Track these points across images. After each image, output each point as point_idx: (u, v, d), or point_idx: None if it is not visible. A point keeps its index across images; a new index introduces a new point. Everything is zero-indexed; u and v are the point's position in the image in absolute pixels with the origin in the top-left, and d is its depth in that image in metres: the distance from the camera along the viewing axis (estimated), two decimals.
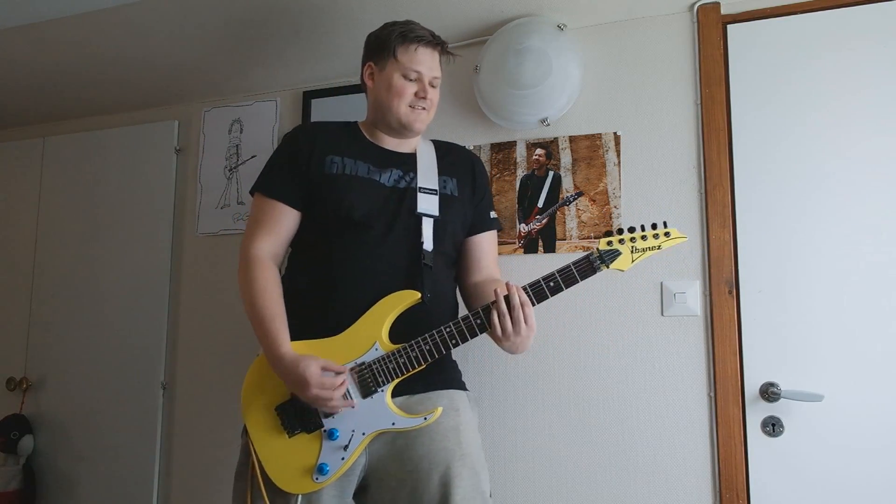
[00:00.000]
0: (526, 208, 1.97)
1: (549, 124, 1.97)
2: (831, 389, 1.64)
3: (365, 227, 1.51)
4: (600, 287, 1.87)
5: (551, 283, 1.40)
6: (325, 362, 1.40)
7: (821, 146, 1.75)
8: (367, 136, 1.66)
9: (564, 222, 1.93)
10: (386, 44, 1.58)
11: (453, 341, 1.42)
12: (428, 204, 1.57)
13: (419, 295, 1.45)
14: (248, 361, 2.27)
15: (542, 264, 1.90)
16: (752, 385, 1.72)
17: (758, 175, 1.79)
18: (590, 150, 1.94)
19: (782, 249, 1.74)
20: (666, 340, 1.80)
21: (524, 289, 1.40)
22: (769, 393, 1.69)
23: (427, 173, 1.61)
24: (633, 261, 1.39)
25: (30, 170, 2.71)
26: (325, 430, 1.42)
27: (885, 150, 1.70)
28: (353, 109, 2.22)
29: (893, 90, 1.71)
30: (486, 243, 1.69)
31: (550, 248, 1.93)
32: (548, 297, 1.42)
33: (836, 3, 1.77)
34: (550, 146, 1.98)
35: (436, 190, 1.59)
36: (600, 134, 1.94)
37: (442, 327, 1.42)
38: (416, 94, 1.58)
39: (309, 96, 2.33)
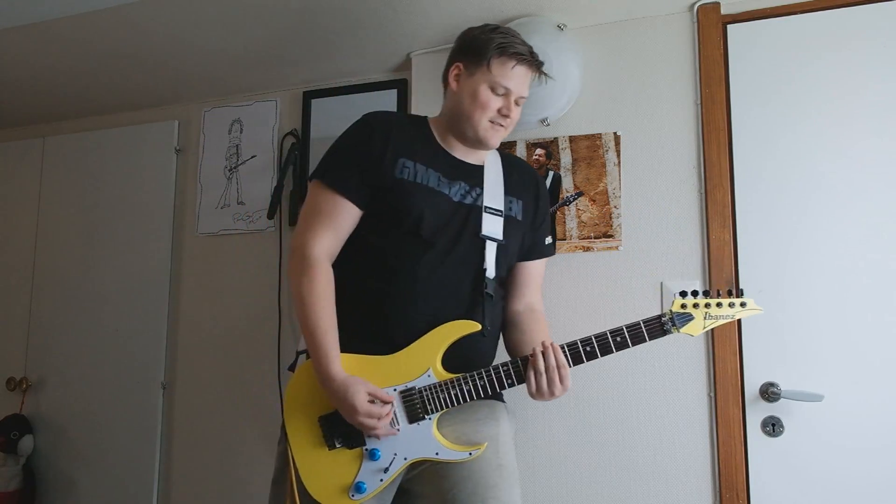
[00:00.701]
0: None
1: (549, 124, 1.97)
2: (831, 389, 1.64)
3: (428, 243, 1.45)
4: (600, 287, 1.87)
5: (618, 339, 1.36)
6: (373, 389, 1.36)
7: (821, 146, 1.75)
8: (439, 141, 1.56)
9: (564, 222, 1.93)
10: (483, 50, 1.49)
11: (509, 381, 1.39)
12: (493, 226, 1.50)
13: (480, 327, 1.41)
14: (248, 361, 2.29)
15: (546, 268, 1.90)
16: (752, 385, 1.72)
17: (758, 175, 1.79)
18: (590, 150, 1.94)
19: (782, 249, 1.74)
20: (666, 340, 1.79)
21: (586, 341, 1.37)
22: (769, 393, 1.69)
23: (494, 191, 1.54)
24: (704, 327, 1.34)
25: (30, 170, 2.71)
26: (366, 450, 1.39)
27: (885, 150, 1.70)
28: (353, 109, 2.22)
29: (893, 90, 1.71)
30: (535, 270, 1.64)
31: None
32: (612, 353, 1.38)
33: (836, 3, 1.77)
34: (550, 146, 1.98)
35: (501, 211, 1.52)
36: (600, 134, 1.94)
37: (499, 365, 1.38)
38: (499, 111, 1.49)
39: (309, 96, 2.34)
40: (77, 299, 2.54)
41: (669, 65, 1.90)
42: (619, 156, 1.91)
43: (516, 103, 1.52)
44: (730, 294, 1.35)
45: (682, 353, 1.78)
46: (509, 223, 1.53)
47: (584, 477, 1.82)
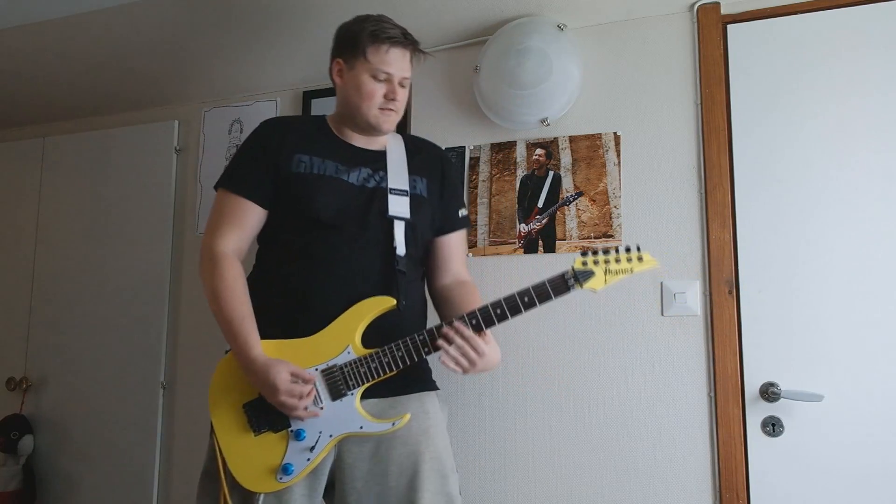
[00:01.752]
0: (526, 208, 1.97)
1: (549, 124, 1.97)
2: (831, 389, 1.64)
3: (334, 228, 1.50)
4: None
5: (525, 299, 1.39)
6: (295, 369, 1.39)
7: (821, 146, 1.75)
8: (336, 133, 1.62)
9: (564, 222, 1.93)
10: (356, 42, 1.54)
11: (426, 349, 1.42)
12: (399, 206, 1.54)
13: (395, 302, 1.45)
14: None
15: (542, 264, 1.91)
16: (752, 385, 1.72)
17: (758, 175, 1.79)
18: (590, 150, 1.94)
19: (782, 249, 1.74)
20: (666, 340, 1.80)
21: (496, 304, 1.40)
22: (769, 393, 1.69)
23: (397, 172, 1.59)
24: (605, 282, 1.40)
25: (30, 170, 2.71)
26: (291, 431, 1.42)
27: (886, 150, 1.70)
28: None
29: (894, 90, 1.71)
30: (453, 243, 1.67)
31: (550, 249, 1.93)
32: (521, 312, 1.41)
33: (836, 3, 1.77)
34: (550, 146, 1.98)
35: (406, 191, 1.57)
36: (600, 134, 1.94)
37: (416, 334, 1.42)
38: (385, 96, 1.54)
39: (309, 96, 2.33)
40: (77, 299, 2.54)
41: (669, 65, 1.90)
42: (619, 156, 1.91)
43: (401, 85, 1.56)
44: (627, 250, 1.40)
45: (682, 353, 1.78)
46: (415, 201, 1.57)
47: (583, 477, 1.82)
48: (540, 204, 1.96)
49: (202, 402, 2.34)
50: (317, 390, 1.42)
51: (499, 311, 1.40)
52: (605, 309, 1.86)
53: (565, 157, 1.96)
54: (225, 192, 1.56)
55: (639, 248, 1.41)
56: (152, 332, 2.42)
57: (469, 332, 1.39)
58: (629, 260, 1.40)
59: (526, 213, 1.97)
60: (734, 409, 1.72)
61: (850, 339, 1.67)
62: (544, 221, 1.95)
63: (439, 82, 2.11)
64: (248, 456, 1.43)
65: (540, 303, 1.40)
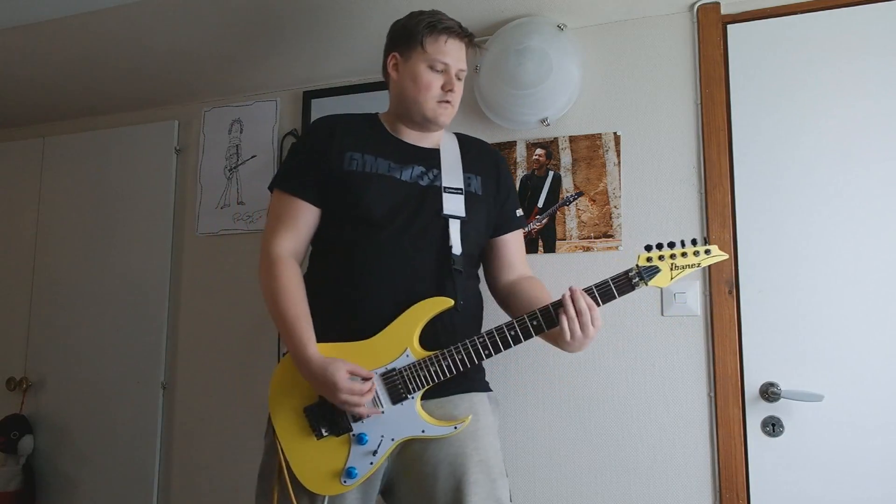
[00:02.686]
0: (526, 208, 1.97)
1: (549, 124, 1.97)
2: (831, 389, 1.65)
3: (387, 227, 1.47)
4: None
5: (592, 295, 1.37)
6: (352, 367, 1.37)
7: (821, 146, 1.75)
8: (389, 130, 1.60)
9: (564, 222, 1.93)
10: (413, 34, 1.53)
11: (486, 351, 1.39)
12: (454, 205, 1.52)
13: (453, 303, 1.42)
14: (248, 361, 2.28)
15: (543, 264, 1.91)
16: (752, 385, 1.72)
17: (758, 175, 1.79)
18: (590, 150, 1.94)
19: (782, 249, 1.74)
20: (666, 340, 1.80)
21: (589, 291, 1.38)
22: (769, 393, 1.69)
23: (452, 171, 1.56)
24: (672, 278, 1.36)
25: (30, 170, 2.71)
26: (353, 435, 1.40)
27: (886, 150, 1.70)
28: (353, 109, 2.22)
29: (893, 90, 1.71)
30: (514, 242, 1.66)
31: (550, 249, 1.93)
32: (599, 305, 1.39)
33: (836, 3, 1.77)
34: (550, 146, 1.98)
35: (461, 189, 1.54)
36: (600, 134, 1.94)
37: (476, 337, 1.40)
38: (442, 87, 1.52)
39: (309, 96, 2.33)
40: (77, 299, 2.54)
41: (669, 65, 1.90)
42: (619, 156, 1.91)
43: (457, 77, 1.55)
44: (693, 243, 1.36)
45: (682, 353, 1.78)
46: (470, 199, 1.55)
47: (584, 477, 1.82)
48: (540, 204, 1.96)
49: (202, 402, 2.36)
50: (377, 394, 1.40)
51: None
52: (606, 309, 1.83)
53: (565, 157, 1.96)
54: (279, 193, 1.56)
55: (706, 241, 1.38)
56: (152, 332, 2.42)
57: (591, 300, 1.36)
58: (696, 253, 1.36)
59: (526, 213, 1.96)
60: (734, 409, 1.72)
61: (850, 339, 1.67)
62: (544, 221, 1.95)
63: None
64: (309, 458, 1.42)
65: (603, 302, 1.37)
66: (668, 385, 1.78)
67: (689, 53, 1.88)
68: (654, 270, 1.36)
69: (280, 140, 2.36)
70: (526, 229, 1.93)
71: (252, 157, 2.39)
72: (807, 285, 1.71)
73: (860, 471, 1.62)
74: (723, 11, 1.86)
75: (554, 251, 1.92)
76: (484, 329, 1.44)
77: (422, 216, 1.49)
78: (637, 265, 1.37)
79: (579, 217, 1.92)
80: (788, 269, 1.73)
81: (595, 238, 1.89)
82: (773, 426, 1.69)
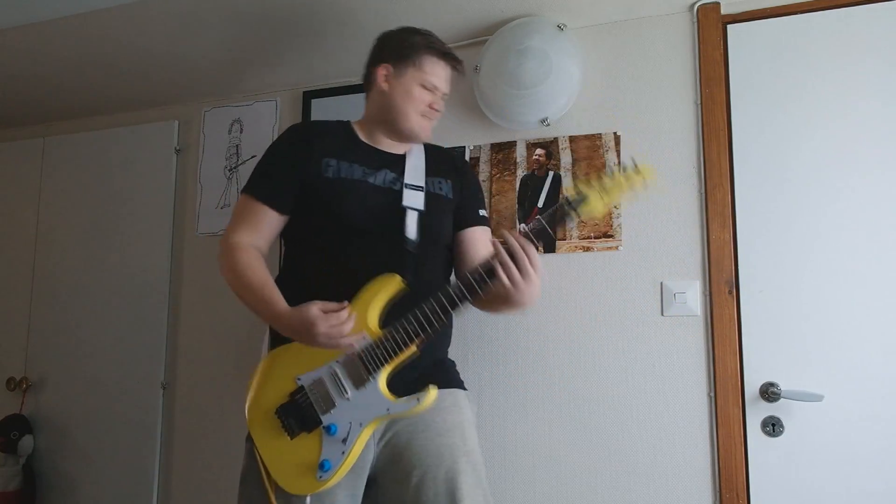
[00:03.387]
0: (526, 208, 1.97)
1: (549, 124, 1.97)
2: (831, 389, 1.65)
3: (360, 232, 1.52)
4: (600, 287, 1.87)
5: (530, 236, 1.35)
6: (322, 304, 1.38)
7: (821, 146, 1.75)
8: (363, 138, 1.66)
9: (565, 222, 1.93)
10: (410, 51, 1.60)
11: (435, 316, 1.37)
12: (413, 199, 1.57)
13: (399, 278, 1.42)
14: (248, 362, 2.27)
15: (542, 264, 1.90)
16: (752, 385, 1.72)
17: (758, 175, 1.79)
18: (590, 150, 1.94)
19: (782, 249, 1.74)
20: (666, 340, 1.80)
21: (522, 233, 1.35)
22: (769, 393, 1.69)
23: (415, 171, 1.63)
24: (604, 204, 1.33)
25: (30, 170, 2.71)
26: (323, 427, 1.42)
27: (885, 150, 1.70)
28: (353, 109, 2.22)
29: (893, 90, 1.71)
30: (476, 237, 1.67)
31: (550, 249, 1.93)
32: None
33: (836, 3, 1.77)
34: (550, 146, 1.98)
35: (422, 186, 1.60)
36: (600, 134, 1.94)
37: (423, 304, 1.38)
38: (430, 105, 1.61)
39: (309, 96, 2.33)
40: (77, 299, 2.54)
41: (669, 65, 1.90)
42: (619, 156, 1.91)
43: (442, 98, 1.65)
44: (619, 165, 1.34)
45: (682, 353, 1.78)
46: (432, 198, 1.60)
47: (583, 477, 1.82)
48: (540, 204, 1.96)
49: (202, 402, 2.36)
50: (340, 382, 1.42)
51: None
52: (605, 309, 1.86)
53: (565, 157, 1.96)
54: (245, 197, 1.60)
55: (633, 161, 1.34)
56: (152, 332, 2.42)
57: (525, 241, 1.33)
58: (624, 170, 1.33)
59: (526, 213, 1.97)
60: (734, 409, 1.72)
61: (850, 339, 1.67)
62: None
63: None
64: (286, 459, 1.43)
65: (538, 239, 1.35)
66: (668, 385, 1.78)
67: (689, 53, 1.88)
68: (582, 199, 1.33)
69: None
70: (526, 228, 1.91)
71: (252, 157, 2.39)
72: (807, 285, 1.71)
73: (860, 470, 1.62)
74: (723, 11, 1.86)
75: (554, 251, 1.92)
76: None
77: (391, 216, 1.54)
78: (565, 196, 1.36)
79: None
80: (788, 269, 1.73)
81: (595, 238, 1.89)
82: (773, 426, 1.69)
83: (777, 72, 1.80)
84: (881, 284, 1.66)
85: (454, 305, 1.38)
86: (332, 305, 1.39)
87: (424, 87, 1.60)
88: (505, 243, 1.33)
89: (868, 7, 1.74)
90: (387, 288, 1.43)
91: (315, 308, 1.37)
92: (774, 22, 1.82)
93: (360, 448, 1.41)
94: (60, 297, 2.57)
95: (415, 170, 1.63)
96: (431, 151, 1.71)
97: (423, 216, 1.57)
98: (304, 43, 2.16)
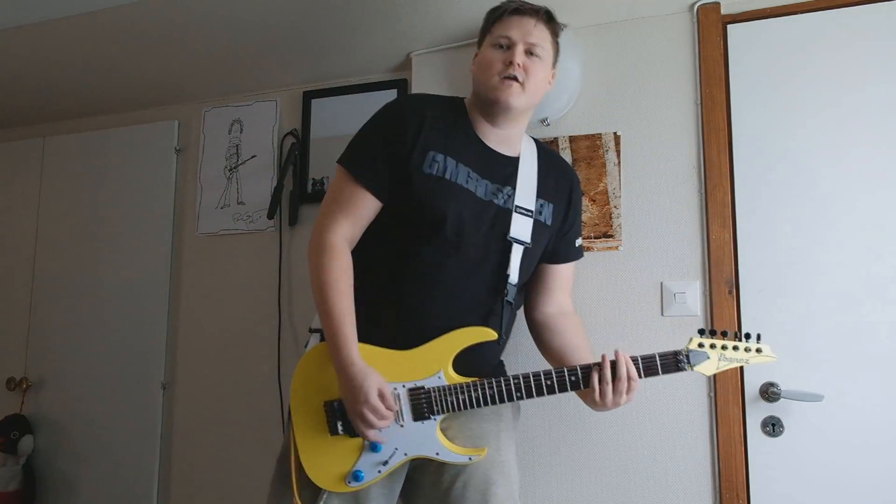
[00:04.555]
0: None
1: (549, 124, 1.97)
2: (831, 389, 1.65)
3: (451, 244, 1.41)
4: (600, 287, 1.87)
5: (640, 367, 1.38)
6: (386, 390, 1.34)
7: (821, 146, 1.75)
8: (474, 127, 1.50)
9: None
10: (485, 23, 1.50)
11: (518, 394, 1.39)
12: (522, 228, 1.46)
13: (496, 336, 1.40)
14: (248, 361, 2.29)
15: None
16: (752, 385, 1.72)
17: (758, 175, 1.79)
18: (590, 150, 1.94)
19: (782, 249, 1.74)
20: (666, 340, 1.80)
21: (634, 360, 1.37)
22: (769, 393, 1.69)
23: (526, 191, 1.49)
24: (717, 368, 1.36)
25: (30, 170, 2.71)
26: (368, 442, 1.39)
27: (885, 150, 1.70)
28: (353, 109, 2.23)
29: (893, 90, 1.71)
30: (564, 273, 1.61)
31: None
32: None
33: (836, 3, 1.77)
34: (550, 146, 1.98)
35: (532, 212, 1.48)
36: (600, 134, 1.94)
37: (511, 377, 1.38)
38: (503, 61, 1.42)
39: (309, 96, 2.34)
40: (77, 299, 2.54)
41: (669, 65, 1.90)
42: (619, 156, 1.91)
43: (529, 52, 1.43)
44: (747, 338, 1.36)
45: None
46: (538, 227, 1.49)
47: (584, 477, 1.82)
48: None
49: (202, 402, 2.36)
50: (400, 406, 1.38)
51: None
52: (605, 309, 1.86)
53: (565, 157, 1.96)
54: (345, 174, 1.45)
55: (759, 338, 1.37)
56: (152, 332, 2.42)
57: (633, 371, 1.36)
58: (747, 350, 1.36)
59: None
60: (734, 409, 1.72)
61: (850, 339, 1.67)
62: None
63: (439, 82, 2.11)
64: (320, 453, 1.40)
65: (645, 376, 1.37)
66: (669, 385, 1.78)
67: (689, 53, 1.88)
68: (702, 357, 1.36)
69: (280, 140, 2.36)
70: (582, 256, 1.88)
71: (252, 157, 2.39)
72: (807, 285, 1.71)
73: (860, 470, 1.62)
74: (723, 11, 1.86)
75: (583, 254, 1.91)
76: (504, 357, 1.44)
77: (490, 240, 1.45)
78: (688, 347, 1.37)
79: None
80: (788, 269, 1.73)
81: (595, 238, 1.89)
82: (773, 426, 1.69)
83: (777, 72, 1.80)
84: (881, 284, 1.66)
85: (540, 394, 1.40)
86: (389, 400, 1.34)
87: (497, 45, 1.44)
88: (616, 362, 1.36)
89: (868, 7, 1.74)
90: (479, 339, 1.41)
91: (375, 389, 1.32)
92: (774, 22, 1.82)
93: (396, 468, 1.40)
94: (60, 297, 2.57)
95: (526, 187, 1.49)
96: (545, 163, 1.56)
97: (526, 253, 1.47)
98: (304, 43, 2.16)
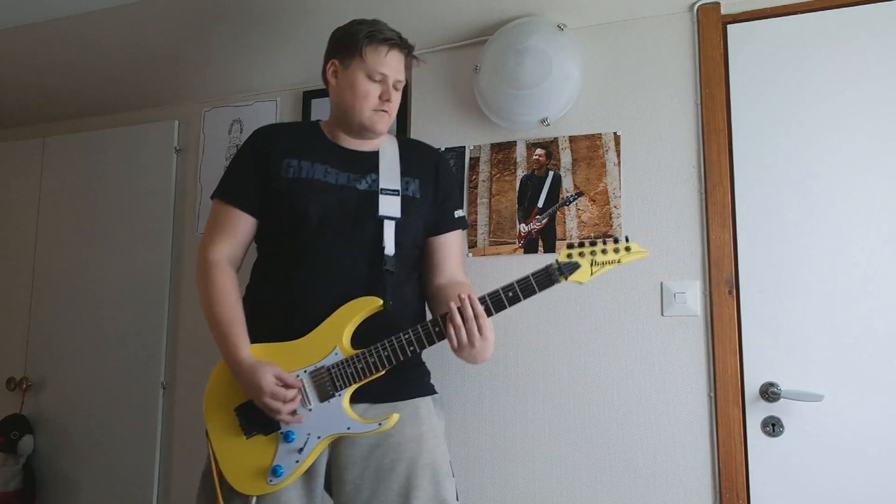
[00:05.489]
0: (526, 208, 1.97)
1: (549, 124, 1.97)
2: (831, 389, 1.65)
3: (324, 232, 1.50)
4: (600, 287, 1.87)
5: (510, 294, 1.39)
6: (280, 373, 1.40)
7: (821, 146, 1.75)
8: (329, 136, 1.63)
9: (564, 222, 1.93)
10: (353, 43, 1.55)
11: (411, 347, 1.41)
12: (390, 206, 1.54)
13: (381, 302, 1.45)
14: None
15: (542, 264, 1.90)
16: (752, 385, 1.72)
17: (758, 175, 1.79)
18: (590, 150, 1.94)
19: (782, 249, 1.74)
20: (666, 340, 1.80)
21: (481, 299, 1.39)
22: (769, 393, 1.69)
23: (389, 174, 1.59)
24: (591, 273, 1.38)
25: (30, 170, 2.71)
26: (281, 433, 1.43)
27: (885, 150, 1.70)
28: None
29: (893, 90, 1.71)
30: (449, 243, 1.66)
31: (550, 249, 1.93)
32: (506, 307, 1.40)
33: (836, 3, 1.77)
34: (550, 146, 1.98)
35: (397, 191, 1.57)
36: (600, 134, 1.94)
37: (401, 333, 1.41)
38: (380, 97, 1.55)
39: (309, 96, 2.33)
40: (77, 299, 2.54)
41: (669, 65, 1.90)
42: (619, 156, 1.91)
43: (395, 87, 1.57)
44: (616, 241, 1.38)
45: (682, 353, 1.78)
46: (406, 202, 1.57)
47: (584, 477, 1.82)
48: (540, 204, 1.96)
49: (202, 402, 2.35)
50: (305, 392, 1.43)
51: (484, 306, 1.39)
52: (605, 309, 1.86)
53: (565, 157, 1.96)
54: (217, 202, 1.60)
55: (627, 239, 1.40)
56: (152, 332, 2.42)
57: (480, 309, 1.38)
58: (616, 251, 1.38)
59: (526, 213, 1.97)
60: (734, 409, 1.72)
61: (850, 339, 1.67)
62: (544, 221, 1.95)
63: (439, 82, 2.11)
64: (239, 458, 1.45)
65: (524, 297, 1.39)
66: (668, 385, 1.78)
67: (689, 53, 1.88)
68: (573, 266, 1.38)
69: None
70: (526, 228, 1.93)
71: None
72: (807, 285, 1.71)
73: (860, 470, 1.62)
74: (723, 11, 1.86)
75: (554, 251, 1.92)
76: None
77: (358, 220, 1.52)
78: (557, 261, 1.39)
79: (579, 217, 1.92)
80: (788, 269, 1.73)
81: (595, 238, 1.89)
82: (773, 426, 1.69)
83: (777, 72, 1.80)
84: (881, 284, 1.66)
85: (422, 345, 1.42)
86: (287, 378, 1.41)
87: (371, 78, 1.54)
88: (461, 305, 1.37)
89: (868, 7, 1.74)
90: (366, 309, 1.45)
91: (269, 376, 1.39)
92: (774, 22, 1.82)
93: (315, 457, 1.43)
94: (60, 297, 2.57)
95: (389, 170, 1.59)
96: (406, 148, 1.67)
97: (399, 225, 1.54)
98: (303, 43, 2.16)
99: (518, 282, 1.39)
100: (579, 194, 1.93)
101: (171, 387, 2.40)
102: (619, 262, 1.38)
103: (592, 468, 1.81)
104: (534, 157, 1.99)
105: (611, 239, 1.39)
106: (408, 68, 1.63)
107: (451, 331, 1.38)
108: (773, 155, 1.78)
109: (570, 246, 1.39)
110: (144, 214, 2.50)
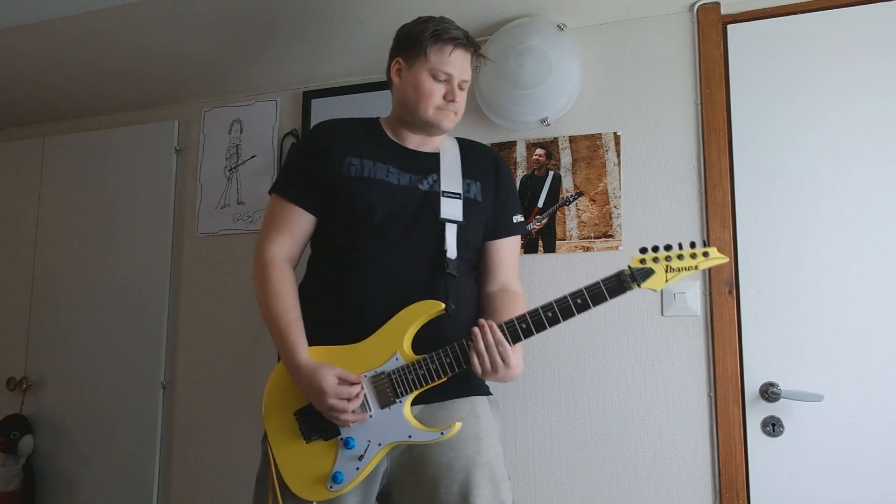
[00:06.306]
0: (526, 208, 1.97)
1: (549, 124, 1.97)
2: (831, 389, 1.65)
3: (384, 232, 1.47)
4: None
5: (578, 300, 1.32)
6: (341, 372, 1.37)
7: (821, 146, 1.75)
8: (390, 135, 1.60)
9: (564, 222, 1.93)
10: (418, 41, 1.52)
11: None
12: (451, 209, 1.51)
13: (443, 306, 1.40)
14: (248, 361, 2.28)
15: (542, 264, 1.91)
16: (752, 385, 1.72)
17: (758, 175, 1.79)
18: (590, 150, 1.94)
19: (782, 249, 1.74)
20: (666, 340, 1.80)
21: (501, 326, 1.35)
22: (769, 393, 1.69)
23: (451, 176, 1.55)
24: (666, 280, 1.29)
25: (30, 170, 2.71)
26: (341, 439, 1.40)
27: (886, 150, 1.70)
28: (353, 109, 2.23)
29: (893, 90, 1.71)
30: (505, 249, 1.62)
31: (550, 248, 1.93)
32: (561, 320, 1.33)
33: (836, 3, 1.77)
34: (550, 146, 1.98)
35: (459, 194, 1.53)
36: (600, 134, 1.94)
37: (465, 340, 1.37)
38: (444, 97, 1.52)
39: (309, 96, 2.33)
40: (77, 299, 2.54)
41: (669, 65, 1.90)
42: (619, 156, 1.91)
43: (460, 87, 1.54)
44: (692, 245, 1.30)
45: (682, 353, 1.78)
46: (469, 205, 1.54)
47: (584, 477, 1.82)
48: (540, 204, 1.96)
49: (202, 402, 2.36)
50: (365, 398, 1.39)
51: (549, 314, 1.33)
52: (606, 309, 1.84)
53: (565, 157, 1.96)
54: (277, 198, 1.56)
55: (706, 243, 1.32)
56: (152, 332, 2.42)
57: (499, 336, 1.34)
58: (693, 256, 1.28)
59: (526, 213, 1.97)
60: (734, 409, 1.72)
61: (851, 339, 1.67)
62: (544, 221, 1.95)
63: None
64: (299, 463, 1.42)
65: (594, 304, 1.31)
66: (668, 385, 1.78)
67: (689, 53, 1.88)
68: (647, 272, 1.29)
69: (280, 140, 2.36)
70: (526, 232, 1.92)
71: (252, 157, 2.39)
72: (807, 285, 1.71)
73: (860, 471, 1.62)
74: (723, 11, 1.86)
75: (554, 251, 1.92)
76: None
77: (419, 221, 1.49)
78: (630, 266, 1.30)
79: (579, 217, 1.92)
80: (788, 269, 1.73)
81: (595, 238, 1.89)
82: (773, 426, 1.69)
83: (777, 72, 1.80)
84: (881, 284, 1.66)
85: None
86: (350, 377, 1.38)
87: (435, 77, 1.51)
88: (482, 334, 1.34)
89: (868, 7, 1.74)
90: (428, 313, 1.41)
91: (330, 377, 1.36)
92: (774, 22, 1.82)
93: (375, 464, 1.40)
94: (60, 297, 2.57)
95: (450, 172, 1.56)
96: (466, 148, 1.64)
97: (461, 229, 1.51)
98: (303, 43, 2.16)
99: (587, 288, 1.32)
100: (579, 194, 1.93)
101: (171, 387, 2.40)
102: (696, 268, 1.29)
103: (592, 468, 1.81)
104: (534, 156, 1.99)
105: (687, 243, 1.30)
106: (474, 68, 1.59)
107: (474, 359, 1.34)
108: (773, 155, 1.78)
109: (642, 250, 1.30)
110: (144, 214, 2.50)
